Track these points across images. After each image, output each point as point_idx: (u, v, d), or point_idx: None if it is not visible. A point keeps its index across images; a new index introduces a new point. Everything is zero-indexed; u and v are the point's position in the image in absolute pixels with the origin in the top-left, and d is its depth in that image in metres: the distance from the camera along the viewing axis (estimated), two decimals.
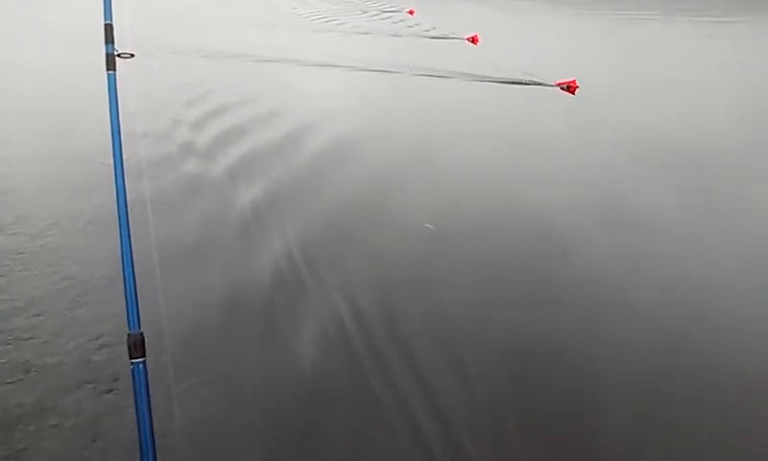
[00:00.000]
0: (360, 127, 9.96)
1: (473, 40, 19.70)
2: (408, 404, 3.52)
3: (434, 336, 4.23)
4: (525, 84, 13.29)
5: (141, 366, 1.75)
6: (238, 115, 9.71)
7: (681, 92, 14.06)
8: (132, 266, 1.85)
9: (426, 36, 20.98)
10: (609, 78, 15.49)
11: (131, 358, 1.75)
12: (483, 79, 13.82)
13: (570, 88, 12.81)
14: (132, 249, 1.87)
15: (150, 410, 1.70)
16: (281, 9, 27.04)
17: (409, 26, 23.47)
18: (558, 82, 12.98)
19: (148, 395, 1.71)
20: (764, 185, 8.04)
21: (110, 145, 2.13)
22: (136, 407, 1.70)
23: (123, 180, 2.00)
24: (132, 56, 3.27)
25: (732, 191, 7.59)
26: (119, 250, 1.88)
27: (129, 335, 1.76)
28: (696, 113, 12.08)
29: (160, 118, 9.13)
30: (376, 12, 28.02)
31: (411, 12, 27.71)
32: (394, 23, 24.51)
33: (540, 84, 13.21)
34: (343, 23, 23.64)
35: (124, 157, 2.18)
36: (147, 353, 1.77)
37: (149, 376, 1.75)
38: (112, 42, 2.78)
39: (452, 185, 7.40)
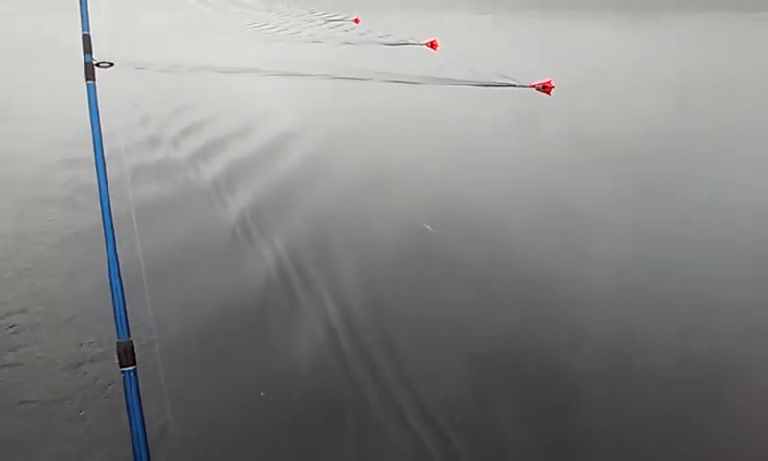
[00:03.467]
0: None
1: (432, 45, 19.55)
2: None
3: None
4: (500, 86, 13.18)
5: (132, 374, 1.72)
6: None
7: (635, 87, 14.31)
8: (119, 274, 1.82)
9: (383, 44, 20.68)
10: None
11: (121, 367, 1.71)
12: (458, 82, 13.63)
13: (546, 89, 12.77)
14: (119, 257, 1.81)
15: (143, 417, 1.67)
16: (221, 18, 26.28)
17: (361, 34, 23.13)
18: (533, 83, 12.91)
19: (140, 402, 1.69)
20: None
21: (92, 150, 2.10)
22: (129, 415, 1.67)
23: (106, 187, 1.93)
24: (112, 65, 3.22)
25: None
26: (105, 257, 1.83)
27: (118, 343, 1.73)
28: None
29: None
30: (323, 22, 27.55)
31: (356, 21, 27.42)
32: (345, 31, 24.12)
33: (514, 85, 13.12)
34: (296, 33, 23.12)
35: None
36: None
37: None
38: (90, 52, 2.79)
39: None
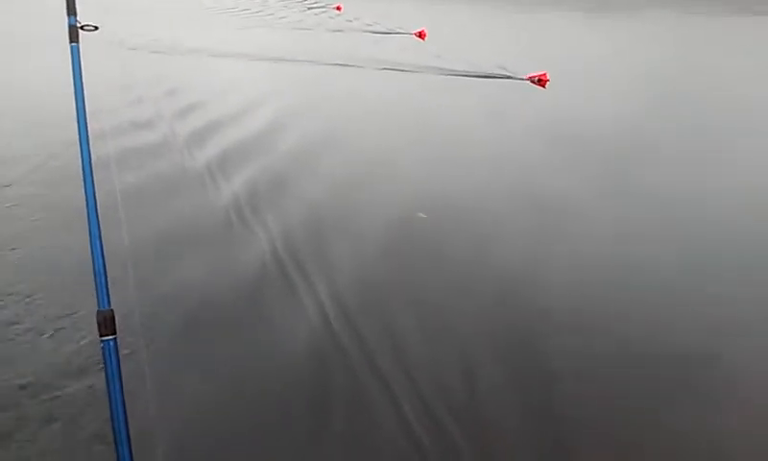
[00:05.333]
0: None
1: (421, 35, 19.38)
2: None
3: None
4: (496, 77, 13.12)
5: (112, 344, 1.70)
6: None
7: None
8: (101, 243, 1.78)
9: (371, 31, 20.43)
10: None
11: (101, 336, 1.70)
12: (451, 73, 13.54)
13: (541, 82, 12.74)
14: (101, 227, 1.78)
15: (122, 389, 1.65)
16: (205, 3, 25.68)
17: (348, 21, 22.83)
18: (529, 75, 12.88)
19: (120, 374, 1.67)
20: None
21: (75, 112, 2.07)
22: (108, 387, 1.65)
23: (89, 152, 1.87)
24: (97, 28, 3.08)
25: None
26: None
27: (98, 312, 1.72)
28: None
29: None
30: (304, 9, 27.12)
31: (338, 8, 27.05)
32: (330, 19, 23.81)
33: (510, 77, 13.07)
34: (283, 18, 22.79)
35: None
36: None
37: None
38: (75, 15, 2.77)
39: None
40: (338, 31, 20.74)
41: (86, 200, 1.83)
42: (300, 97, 11.41)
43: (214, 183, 6.61)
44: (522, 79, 12.84)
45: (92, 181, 1.90)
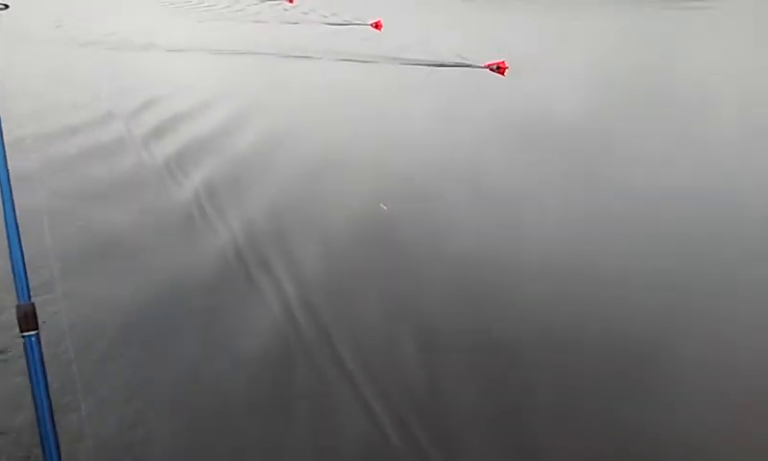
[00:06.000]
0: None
1: (377, 26, 19.32)
2: None
3: None
4: (454, 66, 13.19)
5: (34, 339, 1.60)
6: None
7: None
8: (18, 234, 1.68)
9: (327, 23, 20.28)
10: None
11: (21, 332, 1.60)
12: (409, 62, 13.56)
13: (500, 69, 12.86)
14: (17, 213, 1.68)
15: (47, 385, 1.58)
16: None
17: (304, 13, 22.61)
18: (487, 63, 12.98)
19: (44, 370, 1.59)
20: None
21: None
22: (31, 383, 1.57)
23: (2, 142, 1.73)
24: (7, 7, 3.15)
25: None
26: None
27: (18, 307, 1.61)
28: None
29: None
30: (258, 1, 26.66)
31: (291, 1, 26.70)
32: (285, 11, 23.52)
33: (468, 65, 13.16)
34: (239, 11, 22.40)
35: None
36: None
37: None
38: None
39: None
40: (295, 23, 20.49)
41: (2, 191, 1.71)
42: (258, 88, 11.28)
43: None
44: (481, 67, 12.94)
45: (7, 169, 1.75)
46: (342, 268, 4.92)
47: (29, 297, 1.64)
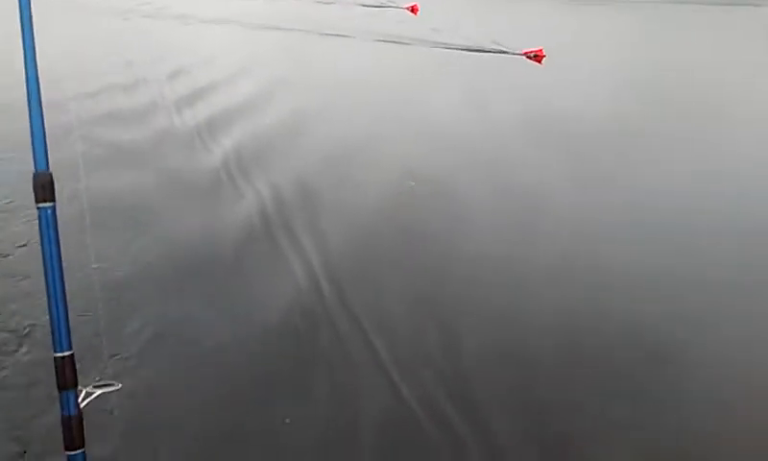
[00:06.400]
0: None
1: (413, 10, 19.11)
2: None
3: None
4: (491, 51, 12.95)
5: (50, 211, 1.51)
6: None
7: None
8: (40, 99, 1.56)
9: (362, 4, 20.06)
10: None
11: (37, 202, 1.50)
12: (444, 45, 13.34)
13: (537, 57, 12.57)
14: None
15: (60, 261, 1.50)
16: None
17: None
18: (525, 51, 12.69)
19: (58, 245, 1.50)
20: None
21: None
22: (44, 258, 1.49)
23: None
24: None
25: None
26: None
27: (35, 175, 1.51)
28: None
29: None
30: None
31: None
32: None
33: (505, 52, 12.89)
34: None
35: None
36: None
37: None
38: None
39: None
40: (330, 2, 20.33)
41: (25, 60, 1.58)
42: (290, 64, 11.20)
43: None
44: (518, 54, 12.66)
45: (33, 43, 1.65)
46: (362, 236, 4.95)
47: (47, 164, 1.52)
